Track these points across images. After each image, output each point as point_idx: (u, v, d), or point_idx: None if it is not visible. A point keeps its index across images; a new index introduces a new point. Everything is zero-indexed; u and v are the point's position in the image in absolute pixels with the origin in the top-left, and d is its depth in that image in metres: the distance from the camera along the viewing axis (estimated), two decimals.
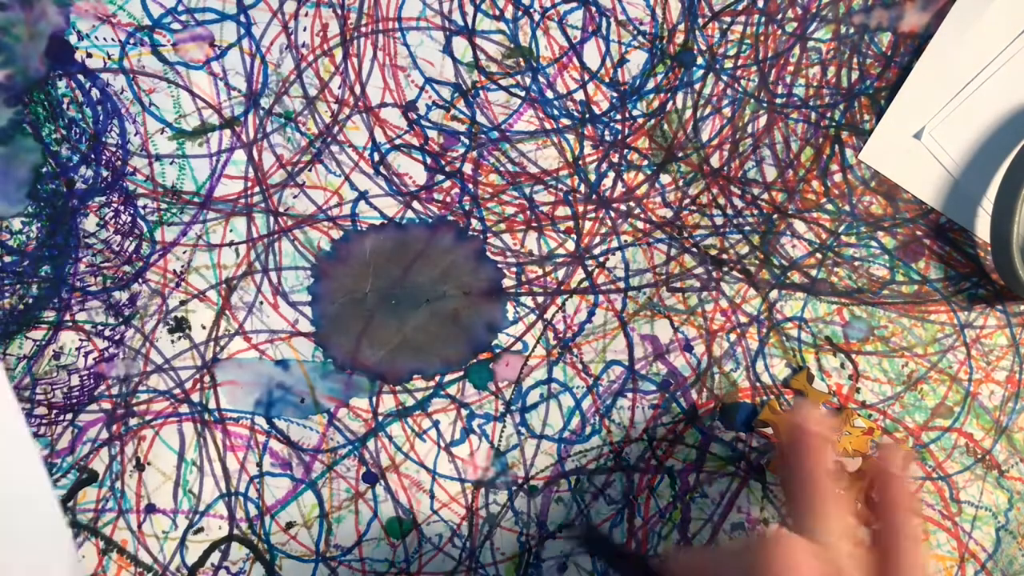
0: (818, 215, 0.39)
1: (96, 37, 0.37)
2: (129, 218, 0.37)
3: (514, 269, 0.38)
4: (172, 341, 0.37)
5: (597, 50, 0.38)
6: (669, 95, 0.39)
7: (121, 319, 0.37)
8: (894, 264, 0.39)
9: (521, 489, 0.38)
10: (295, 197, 0.37)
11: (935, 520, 0.38)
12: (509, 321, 0.38)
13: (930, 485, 0.38)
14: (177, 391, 0.37)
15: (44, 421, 0.36)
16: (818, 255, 0.39)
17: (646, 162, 0.38)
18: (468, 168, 0.38)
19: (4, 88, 0.36)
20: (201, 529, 0.37)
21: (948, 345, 0.39)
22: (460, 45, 0.38)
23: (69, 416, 0.36)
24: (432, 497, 0.38)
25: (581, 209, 0.38)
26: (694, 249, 0.39)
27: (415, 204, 0.38)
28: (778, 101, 0.39)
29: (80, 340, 0.37)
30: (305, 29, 0.37)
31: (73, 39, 0.37)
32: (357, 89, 0.37)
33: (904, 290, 0.39)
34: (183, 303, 0.37)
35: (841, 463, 0.37)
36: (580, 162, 0.38)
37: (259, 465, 0.37)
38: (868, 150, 0.39)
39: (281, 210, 0.37)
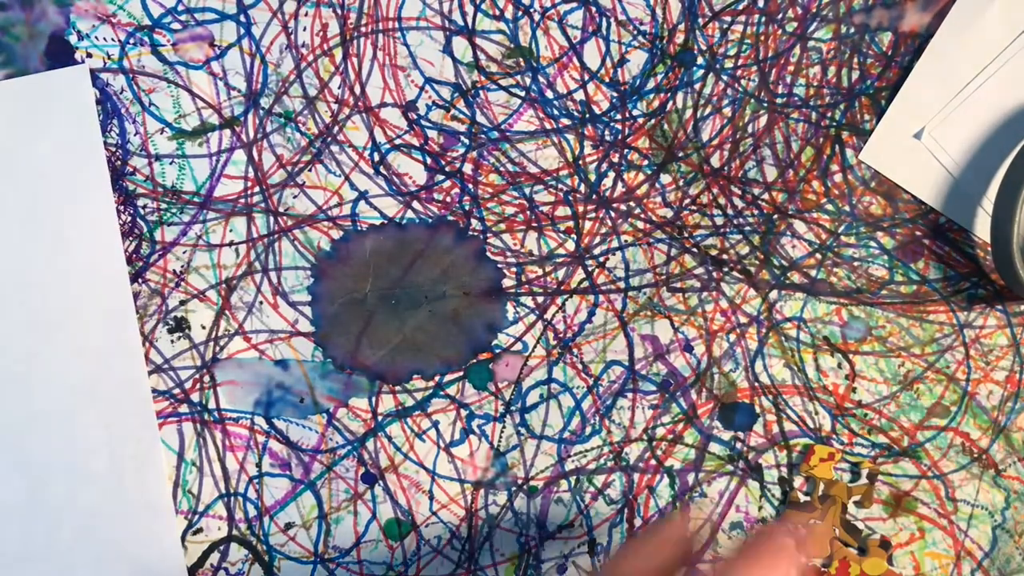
0: (818, 215, 0.39)
1: (96, 37, 0.36)
2: (129, 218, 0.37)
3: (514, 269, 0.38)
4: (172, 341, 0.37)
5: (597, 50, 0.38)
6: (669, 95, 0.39)
7: None
8: (893, 264, 0.39)
9: (521, 490, 0.38)
10: (295, 197, 0.37)
11: (931, 518, 0.38)
12: (509, 321, 0.38)
13: (926, 484, 0.38)
14: (177, 391, 0.37)
15: None
16: (818, 255, 0.39)
17: (646, 162, 0.38)
18: (468, 168, 0.38)
19: None
20: (200, 530, 0.37)
21: (946, 345, 0.39)
22: (460, 45, 0.38)
23: None
24: (431, 498, 0.38)
25: (581, 209, 0.38)
26: (694, 249, 0.39)
27: (415, 204, 0.38)
28: (778, 101, 0.39)
29: None
30: (305, 29, 0.37)
31: (73, 39, 0.36)
32: (357, 89, 0.37)
33: (903, 290, 0.39)
34: (183, 303, 0.37)
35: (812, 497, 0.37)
36: (580, 162, 0.38)
37: (258, 466, 0.37)
38: (868, 150, 0.39)
39: (281, 210, 0.37)
